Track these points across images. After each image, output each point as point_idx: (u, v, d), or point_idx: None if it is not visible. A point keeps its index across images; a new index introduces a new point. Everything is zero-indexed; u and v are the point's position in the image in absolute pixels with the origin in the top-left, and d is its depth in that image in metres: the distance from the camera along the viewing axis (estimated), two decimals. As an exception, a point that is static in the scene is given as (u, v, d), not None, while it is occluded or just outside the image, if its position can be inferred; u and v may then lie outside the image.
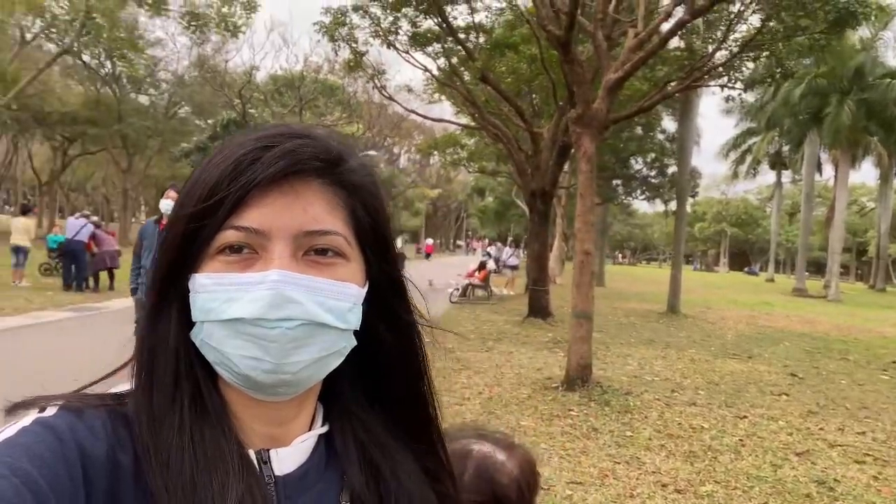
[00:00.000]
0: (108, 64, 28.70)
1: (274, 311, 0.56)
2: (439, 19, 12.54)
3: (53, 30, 17.75)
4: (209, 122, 29.91)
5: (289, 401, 0.63)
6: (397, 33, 13.25)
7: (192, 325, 0.60)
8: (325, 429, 0.69)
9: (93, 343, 7.30)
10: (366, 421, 0.70)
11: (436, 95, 18.07)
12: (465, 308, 15.29)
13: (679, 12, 8.02)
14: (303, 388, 0.62)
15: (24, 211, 15.82)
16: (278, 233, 0.58)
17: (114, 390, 0.62)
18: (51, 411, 0.56)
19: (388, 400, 0.71)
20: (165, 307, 0.61)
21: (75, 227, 13.19)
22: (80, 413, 0.56)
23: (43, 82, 26.68)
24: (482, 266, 18.20)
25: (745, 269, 78.50)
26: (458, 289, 17.24)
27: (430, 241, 52.41)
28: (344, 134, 0.76)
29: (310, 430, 0.68)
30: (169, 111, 34.02)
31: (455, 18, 13.27)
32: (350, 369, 0.68)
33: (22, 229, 13.50)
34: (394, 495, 0.67)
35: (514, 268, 21.96)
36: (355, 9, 13.09)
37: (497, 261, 22.48)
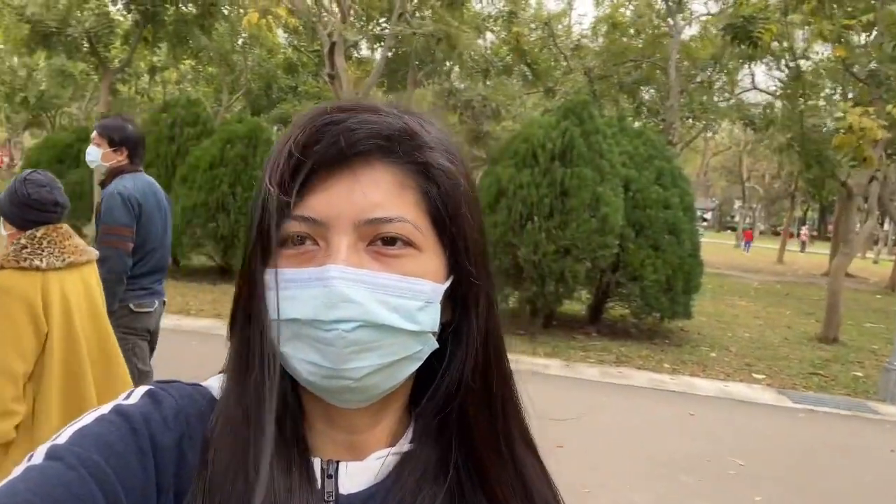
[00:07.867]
0: None
1: (329, 311, 0.50)
2: None
3: None
4: None
5: (364, 408, 0.56)
6: None
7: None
8: (406, 447, 0.59)
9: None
10: (460, 446, 0.59)
11: None
12: None
13: None
14: (373, 397, 0.54)
15: None
16: (337, 222, 0.51)
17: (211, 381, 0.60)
18: (133, 399, 0.55)
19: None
20: (248, 304, 0.56)
21: None
22: (160, 402, 0.55)
23: None
24: None
25: None
26: None
27: None
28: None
29: (391, 445, 0.59)
30: None
31: None
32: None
33: None
34: None
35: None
36: None
37: None
